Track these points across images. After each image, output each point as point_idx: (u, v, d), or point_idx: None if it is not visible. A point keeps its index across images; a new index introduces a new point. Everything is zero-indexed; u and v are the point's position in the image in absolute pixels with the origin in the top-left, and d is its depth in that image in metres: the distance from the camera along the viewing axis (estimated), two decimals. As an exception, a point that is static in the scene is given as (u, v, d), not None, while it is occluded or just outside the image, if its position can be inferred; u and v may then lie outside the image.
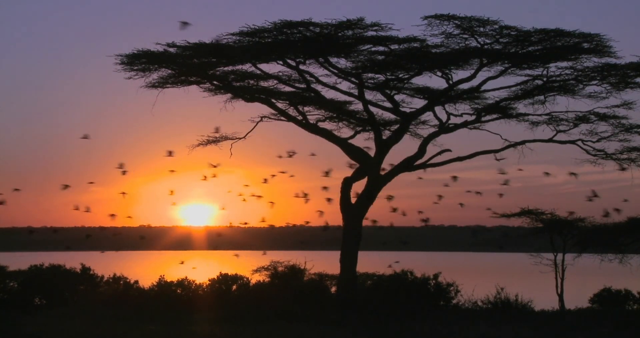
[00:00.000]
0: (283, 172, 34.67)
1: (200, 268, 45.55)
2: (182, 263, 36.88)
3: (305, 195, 34.22)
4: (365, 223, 34.87)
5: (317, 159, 35.33)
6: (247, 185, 35.19)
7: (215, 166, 33.53)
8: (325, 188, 34.35)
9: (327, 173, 33.53)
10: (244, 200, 34.79)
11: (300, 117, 35.52)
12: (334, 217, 33.84)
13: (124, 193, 33.12)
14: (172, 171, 32.83)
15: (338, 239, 34.20)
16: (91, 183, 33.51)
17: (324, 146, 35.44)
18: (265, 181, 34.46)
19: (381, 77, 34.87)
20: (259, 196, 34.79)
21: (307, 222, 35.84)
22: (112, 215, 33.87)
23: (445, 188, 35.25)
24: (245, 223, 37.24)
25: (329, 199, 34.14)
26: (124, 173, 32.50)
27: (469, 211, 34.12)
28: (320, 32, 32.36)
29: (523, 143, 35.34)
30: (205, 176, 33.86)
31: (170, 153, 32.21)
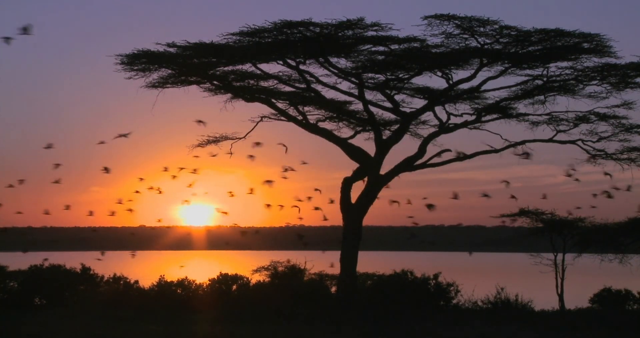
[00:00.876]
0: (197, 173, 34.18)
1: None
2: (100, 259, 36.83)
3: (252, 190, 34.39)
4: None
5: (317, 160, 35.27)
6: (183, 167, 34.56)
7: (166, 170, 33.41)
8: (268, 182, 34.21)
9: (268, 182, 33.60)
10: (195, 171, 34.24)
11: (300, 117, 35.50)
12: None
13: (141, 179, 33.08)
14: (58, 164, 32.40)
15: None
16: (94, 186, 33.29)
17: (324, 146, 35.44)
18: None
19: (381, 77, 34.85)
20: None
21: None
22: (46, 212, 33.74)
23: (444, 189, 35.26)
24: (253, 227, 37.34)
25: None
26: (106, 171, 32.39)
27: (469, 212, 34.03)
28: (320, 32, 32.33)
29: (523, 142, 35.29)
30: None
31: (49, 145, 31.76)
